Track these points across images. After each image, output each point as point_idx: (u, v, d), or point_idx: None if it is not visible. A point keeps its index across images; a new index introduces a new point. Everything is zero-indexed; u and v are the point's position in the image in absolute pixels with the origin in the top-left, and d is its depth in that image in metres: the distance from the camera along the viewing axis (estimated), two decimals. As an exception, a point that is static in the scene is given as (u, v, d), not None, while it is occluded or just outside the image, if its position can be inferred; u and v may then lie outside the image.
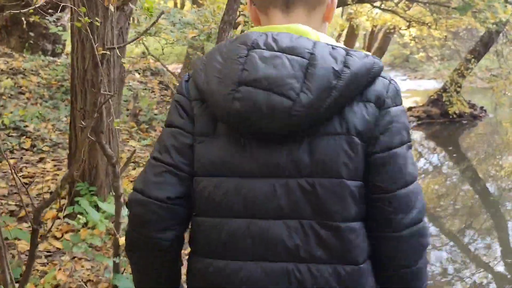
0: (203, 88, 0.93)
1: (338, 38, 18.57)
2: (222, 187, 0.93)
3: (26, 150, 5.01)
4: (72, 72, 3.16)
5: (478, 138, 9.92)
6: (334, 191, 0.90)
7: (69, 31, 4.13)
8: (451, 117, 9.99)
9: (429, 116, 10.53)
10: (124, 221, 2.24)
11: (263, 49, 0.90)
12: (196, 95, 0.97)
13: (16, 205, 3.65)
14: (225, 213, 0.93)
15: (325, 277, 0.90)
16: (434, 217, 5.48)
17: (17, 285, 1.71)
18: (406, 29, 10.80)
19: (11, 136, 5.13)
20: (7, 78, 6.67)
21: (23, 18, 7.60)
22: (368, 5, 10.44)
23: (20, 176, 4.13)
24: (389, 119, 0.92)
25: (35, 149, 5.09)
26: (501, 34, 9.39)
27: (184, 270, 1.05)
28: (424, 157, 8.74)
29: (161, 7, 4.00)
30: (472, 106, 10.62)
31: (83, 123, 1.75)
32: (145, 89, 8.45)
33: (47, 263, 2.83)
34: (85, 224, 3.00)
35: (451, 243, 4.84)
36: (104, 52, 1.92)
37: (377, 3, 9.81)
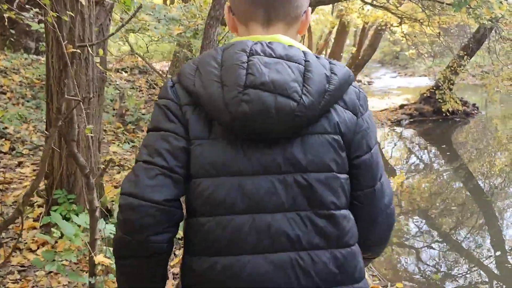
0: (198, 92, 0.96)
1: (328, 36, 18.46)
2: (224, 186, 0.97)
3: (5, 153, 4.77)
4: (47, 72, 2.93)
5: (471, 135, 9.87)
6: (327, 183, 0.99)
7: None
8: (444, 114, 9.90)
9: (421, 113, 10.43)
10: (100, 237, 2.03)
11: (262, 55, 0.97)
12: (186, 100, 0.99)
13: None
14: (228, 210, 0.97)
15: (324, 261, 0.98)
16: (426, 215, 5.44)
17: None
18: (398, 26, 10.65)
19: (-12, 138, 4.89)
20: (-14, 77, 6.40)
21: (4, 15, 7.30)
22: (359, 2, 10.28)
23: (-4, 182, 3.89)
24: (366, 125, 1.04)
25: (14, 152, 4.84)
26: (493, 31, 9.30)
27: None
28: (417, 155, 8.65)
29: (146, 3, 3.78)
30: (465, 103, 10.54)
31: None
32: (132, 88, 8.21)
33: (20, 279, 2.61)
34: (62, 236, 2.79)
35: (443, 241, 4.80)
36: (75, 50, 1.71)
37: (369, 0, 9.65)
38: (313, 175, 0.98)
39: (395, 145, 9.27)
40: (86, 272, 2.39)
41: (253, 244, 0.97)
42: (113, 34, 2.50)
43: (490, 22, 6.19)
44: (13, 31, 7.82)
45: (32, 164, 4.58)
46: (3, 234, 2.86)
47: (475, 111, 10.90)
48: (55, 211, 2.97)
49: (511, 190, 6.47)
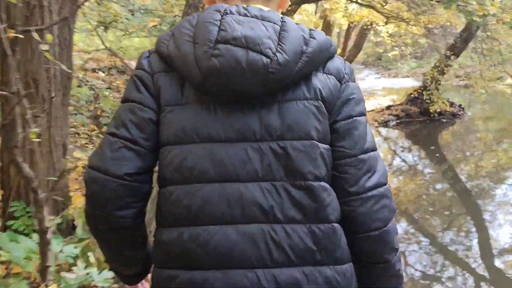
0: (172, 54, 0.94)
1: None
2: (194, 153, 0.93)
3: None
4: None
5: (458, 137, 9.76)
6: (305, 152, 0.94)
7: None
8: (431, 115, 9.78)
9: (408, 114, 10.28)
10: (52, 264, 1.68)
11: (236, 15, 0.94)
12: (159, 67, 0.97)
13: None
14: (198, 178, 0.93)
15: (300, 236, 0.93)
16: (413, 218, 5.35)
17: None
18: (383, 25, 10.47)
19: None
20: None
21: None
22: (344, 0, 10.08)
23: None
24: (350, 92, 1.00)
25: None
26: (479, 31, 9.19)
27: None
28: (404, 157, 8.47)
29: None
30: (451, 104, 10.43)
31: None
32: (109, 88, 7.81)
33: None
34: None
35: (429, 243, 4.73)
36: (16, 35, 1.37)
37: (354, -2, 9.44)
38: (290, 143, 0.94)
39: (383, 146, 9.08)
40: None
41: (222, 214, 0.93)
42: (64, 18, 2.15)
43: (481, 20, 6.00)
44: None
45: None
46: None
47: (461, 112, 10.81)
48: (11, 226, 2.61)
49: (499, 192, 6.31)
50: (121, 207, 0.94)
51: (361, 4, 9.74)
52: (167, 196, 0.96)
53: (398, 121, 10.22)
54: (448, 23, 9.77)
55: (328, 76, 0.98)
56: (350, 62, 14.39)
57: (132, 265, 1.09)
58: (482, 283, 3.92)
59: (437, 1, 6.67)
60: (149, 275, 1.12)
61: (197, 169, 0.93)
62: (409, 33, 10.11)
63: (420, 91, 9.97)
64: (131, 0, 3.27)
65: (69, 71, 2.26)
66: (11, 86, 1.34)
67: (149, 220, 1.83)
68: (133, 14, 3.14)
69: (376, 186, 0.98)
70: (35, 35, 1.27)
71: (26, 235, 2.57)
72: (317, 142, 0.95)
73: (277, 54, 0.90)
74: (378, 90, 16.47)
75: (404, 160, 8.19)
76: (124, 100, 0.98)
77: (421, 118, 10.14)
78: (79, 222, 2.34)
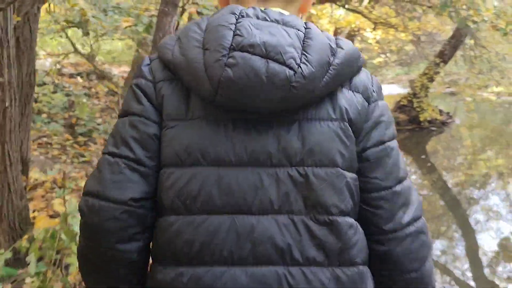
0: (176, 61, 0.81)
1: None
2: (198, 178, 0.80)
3: None
4: None
5: (448, 145, 9.66)
6: (330, 181, 0.82)
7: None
8: (420, 123, 9.65)
9: (397, 122, 10.09)
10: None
11: (254, 18, 0.82)
12: (163, 76, 0.85)
13: None
14: (202, 208, 0.80)
15: (322, 281, 0.80)
16: None
17: None
18: (371, 31, 10.31)
19: None
20: None
21: None
22: (329, 7, 9.89)
23: None
24: (380, 113, 0.88)
25: None
26: (467, 38, 9.10)
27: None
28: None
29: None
30: (440, 112, 10.31)
31: None
32: (86, 94, 7.40)
33: None
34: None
35: None
36: None
37: (341, 2, 9.23)
38: (312, 170, 0.81)
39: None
40: None
41: (230, 253, 0.79)
42: (3, 8, 1.79)
43: (474, 26, 5.84)
44: None
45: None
46: None
47: (450, 119, 10.71)
48: (-42, 257, 2.23)
49: (488, 202, 6.24)
50: (126, 240, 0.81)
51: (347, 9, 9.55)
52: (165, 227, 0.82)
53: (386, 129, 10.04)
54: (436, 30, 9.66)
55: (355, 93, 0.86)
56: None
57: None
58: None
59: (429, 7, 6.50)
60: None
61: (202, 197, 0.80)
62: (397, 39, 9.96)
63: (410, 99, 9.82)
64: (104, -2, 2.93)
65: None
66: None
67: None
68: (106, 14, 2.81)
69: (413, 220, 0.87)
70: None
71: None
72: (342, 171, 0.83)
73: (302, 65, 0.77)
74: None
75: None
76: (123, 114, 0.86)
77: (410, 126, 10.00)
78: (32, 257, 1.98)
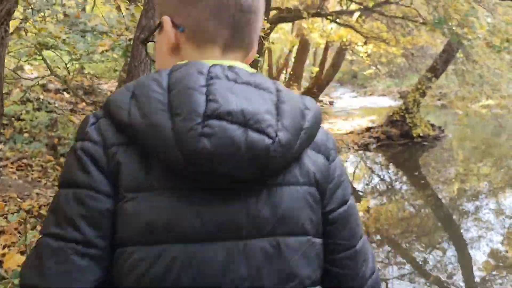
0: (135, 124, 0.70)
1: (288, 55, 18.06)
2: (165, 258, 0.70)
3: None
4: None
5: (440, 160, 9.59)
6: (302, 251, 0.78)
7: None
8: (412, 138, 9.58)
9: (388, 137, 10.04)
10: None
11: (225, 79, 0.75)
12: (117, 140, 0.73)
13: None
14: None
15: None
16: (394, 243, 5.26)
17: None
18: (362, 45, 10.26)
19: None
20: None
21: None
22: (320, 21, 9.84)
23: None
24: (340, 172, 0.86)
25: None
26: (458, 53, 9.07)
27: None
28: (387, 182, 8.18)
29: (70, 11, 2.90)
30: (432, 126, 10.25)
31: None
32: (72, 110, 7.18)
33: None
34: None
35: (411, 268, 4.71)
36: None
37: (333, 17, 9.18)
38: (284, 240, 0.75)
39: (365, 171, 8.76)
40: None
41: None
42: None
43: (468, 43, 5.77)
44: None
45: None
46: None
47: (442, 134, 10.65)
48: None
49: (481, 216, 6.19)
50: None
51: (339, 24, 9.49)
52: None
53: (378, 143, 9.94)
54: (427, 44, 9.63)
55: (317, 154, 0.82)
56: (327, 83, 14.15)
57: None
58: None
59: (422, 23, 6.43)
60: None
61: (169, 280, 0.70)
62: (388, 53, 9.92)
63: (402, 114, 9.74)
64: (83, 18, 2.74)
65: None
66: None
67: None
68: (83, 36, 2.64)
69: (373, 272, 0.88)
70: None
71: None
72: (314, 239, 0.80)
73: (279, 133, 0.73)
74: (356, 109, 16.34)
75: (388, 186, 7.93)
76: (65, 185, 0.73)
77: (402, 141, 9.92)
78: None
